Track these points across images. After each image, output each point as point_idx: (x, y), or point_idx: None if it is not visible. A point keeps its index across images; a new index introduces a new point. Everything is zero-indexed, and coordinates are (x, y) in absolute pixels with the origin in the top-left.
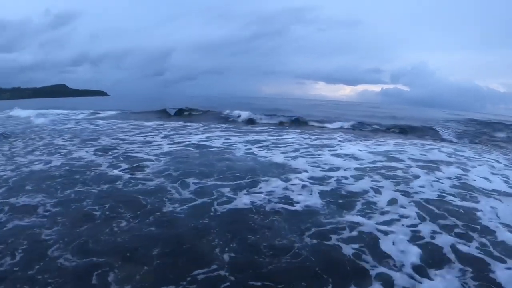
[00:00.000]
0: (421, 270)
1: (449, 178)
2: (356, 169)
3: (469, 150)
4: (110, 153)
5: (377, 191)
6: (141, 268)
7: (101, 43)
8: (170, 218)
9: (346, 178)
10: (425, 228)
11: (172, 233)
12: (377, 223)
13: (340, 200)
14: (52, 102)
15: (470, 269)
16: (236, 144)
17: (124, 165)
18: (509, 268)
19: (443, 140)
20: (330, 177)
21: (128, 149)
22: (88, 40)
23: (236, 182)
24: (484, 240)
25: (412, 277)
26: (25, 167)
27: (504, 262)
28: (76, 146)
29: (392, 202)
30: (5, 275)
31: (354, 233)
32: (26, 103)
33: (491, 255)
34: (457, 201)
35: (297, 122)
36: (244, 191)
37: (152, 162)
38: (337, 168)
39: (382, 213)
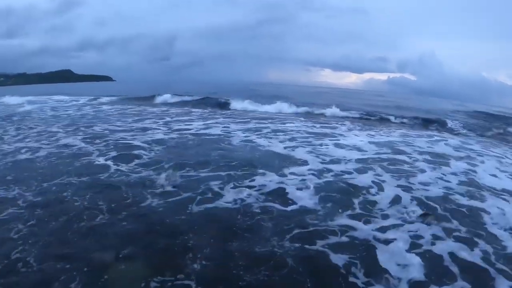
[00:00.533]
0: None
1: (455, 174)
2: (359, 160)
3: (476, 143)
4: (97, 141)
5: (379, 187)
6: (104, 271)
7: (107, 28)
8: (146, 214)
9: (347, 172)
10: (427, 234)
11: (144, 231)
12: (374, 229)
13: (338, 198)
14: (56, 88)
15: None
16: (235, 131)
17: (113, 153)
18: None
19: (451, 131)
20: (330, 170)
21: (120, 137)
22: (94, 26)
23: (228, 173)
24: (489, 248)
25: None
26: (11, 156)
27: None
28: (69, 133)
29: (394, 201)
30: None
31: (348, 239)
32: (29, 89)
33: (494, 266)
34: (463, 200)
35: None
36: (235, 185)
37: (144, 152)
38: (339, 160)
39: (382, 216)
